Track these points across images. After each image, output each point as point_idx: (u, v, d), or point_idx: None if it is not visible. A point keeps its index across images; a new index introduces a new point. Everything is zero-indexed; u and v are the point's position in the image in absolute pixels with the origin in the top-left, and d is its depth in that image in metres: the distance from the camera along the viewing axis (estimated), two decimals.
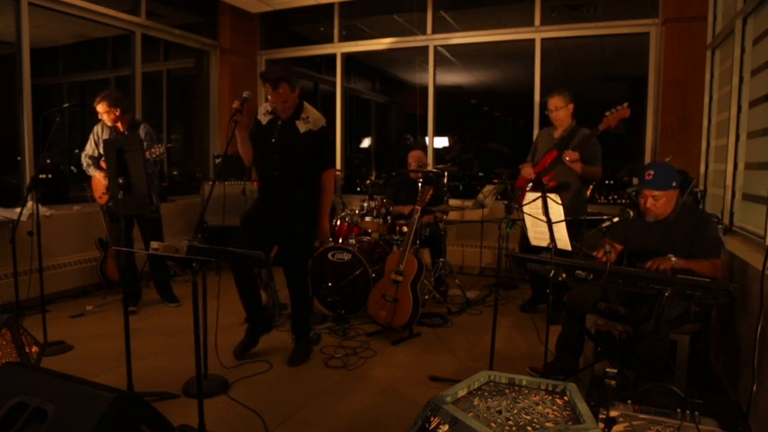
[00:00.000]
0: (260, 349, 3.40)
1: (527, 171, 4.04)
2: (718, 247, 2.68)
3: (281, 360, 3.21)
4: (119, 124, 4.03)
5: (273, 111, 3.14)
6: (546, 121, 4.22)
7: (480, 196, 4.77)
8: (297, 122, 3.10)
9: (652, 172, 2.61)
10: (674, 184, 2.62)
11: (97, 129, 4.10)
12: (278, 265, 3.43)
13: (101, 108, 3.97)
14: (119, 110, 3.99)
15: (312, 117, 3.12)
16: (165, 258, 4.07)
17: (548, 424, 1.48)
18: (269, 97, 3.07)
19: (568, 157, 3.68)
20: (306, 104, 3.17)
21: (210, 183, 5.71)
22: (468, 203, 4.95)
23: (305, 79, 8.11)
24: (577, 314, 2.83)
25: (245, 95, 2.99)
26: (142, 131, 4.05)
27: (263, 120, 3.19)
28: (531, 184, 3.97)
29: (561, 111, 3.89)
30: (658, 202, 2.63)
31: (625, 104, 3.51)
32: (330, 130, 3.23)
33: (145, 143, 3.97)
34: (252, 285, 3.29)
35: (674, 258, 2.48)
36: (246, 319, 3.34)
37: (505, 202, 4.25)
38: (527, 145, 5.26)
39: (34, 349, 2.65)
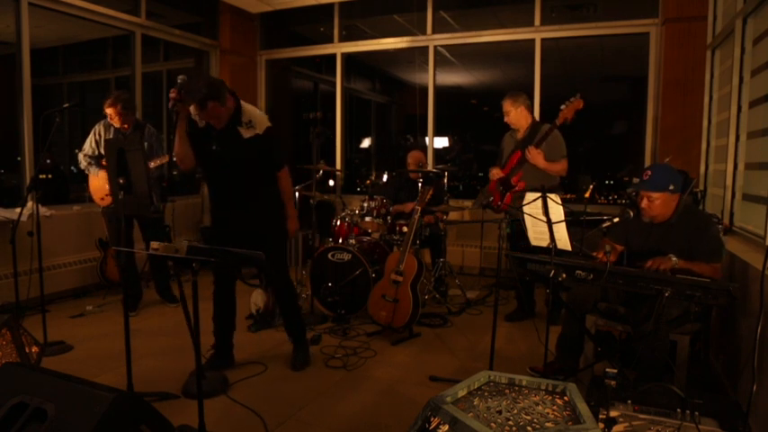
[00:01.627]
0: (260, 349, 3.40)
1: (494, 172, 4.01)
2: (720, 250, 2.67)
3: (282, 360, 3.21)
4: (126, 125, 4.02)
5: None
6: (550, 121, 4.20)
7: (480, 196, 4.77)
8: (238, 128, 2.83)
9: (649, 173, 2.61)
10: (671, 186, 2.60)
11: (99, 128, 4.08)
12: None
13: (115, 110, 3.92)
14: (130, 112, 3.99)
15: (256, 120, 2.88)
16: (165, 259, 4.05)
17: (548, 424, 1.48)
18: (196, 113, 2.77)
19: (530, 154, 3.72)
20: (245, 105, 2.90)
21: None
22: (469, 203, 4.95)
23: (305, 79, 8.12)
24: (577, 314, 2.83)
25: (179, 80, 2.66)
26: (146, 133, 4.07)
27: (200, 122, 2.84)
28: (501, 187, 3.95)
29: (511, 114, 3.91)
30: (654, 204, 2.62)
31: (578, 95, 3.59)
32: (276, 130, 2.98)
33: (146, 143, 3.99)
34: (230, 299, 3.11)
35: (674, 258, 2.48)
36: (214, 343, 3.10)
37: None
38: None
39: (34, 349, 2.65)
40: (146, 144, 4.00)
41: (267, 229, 3.01)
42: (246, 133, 2.85)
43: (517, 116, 3.92)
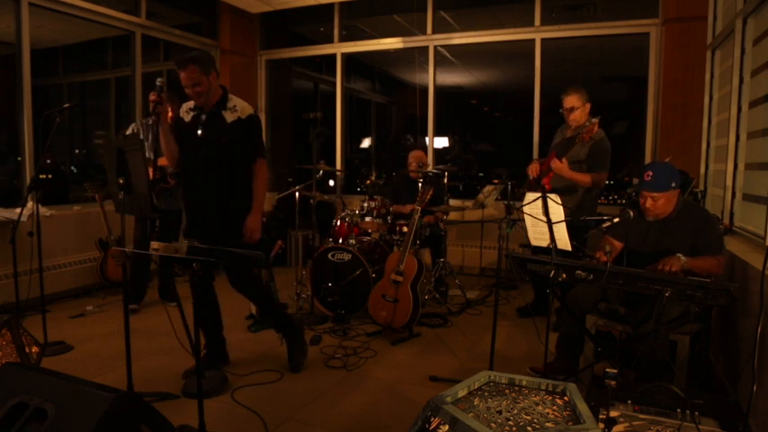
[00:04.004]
0: (260, 349, 3.40)
1: (532, 168, 3.83)
2: (721, 243, 2.69)
3: (282, 360, 3.21)
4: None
5: (197, 107, 2.92)
6: (551, 121, 4.16)
7: (480, 196, 4.77)
8: (223, 112, 2.89)
9: (651, 173, 2.61)
10: (673, 184, 2.61)
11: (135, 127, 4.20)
12: (281, 264, 3.42)
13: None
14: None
15: (240, 106, 2.91)
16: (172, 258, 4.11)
17: (548, 424, 1.48)
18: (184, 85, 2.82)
19: (554, 165, 3.55)
20: (231, 95, 2.97)
21: None
22: (469, 203, 4.95)
23: (305, 79, 8.11)
24: (577, 314, 2.83)
25: (158, 83, 2.77)
26: None
27: (186, 117, 2.96)
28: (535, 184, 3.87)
29: (577, 111, 3.66)
30: (658, 203, 2.63)
31: (598, 118, 3.41)
32: (259, 119, 2.99)
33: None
34: (210, 299, 3.06)
35: (683, 258, 2.48)
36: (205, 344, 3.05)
37: (506, 202, 4.24)
38: (527, 145, 5.26)
39: (34, 349, 2.65)
40: None
41: (234, 224, 2.89)
42: (230, 117, 2.89)
43: (582, 114, 3.64)
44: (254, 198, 2.93)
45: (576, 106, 3.68)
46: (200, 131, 2.89)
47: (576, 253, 2.69)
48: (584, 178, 3.62)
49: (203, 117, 2.90)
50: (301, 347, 3.16)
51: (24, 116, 4.35)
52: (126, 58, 5.73)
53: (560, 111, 3.81)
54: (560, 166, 3.55)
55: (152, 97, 2.73)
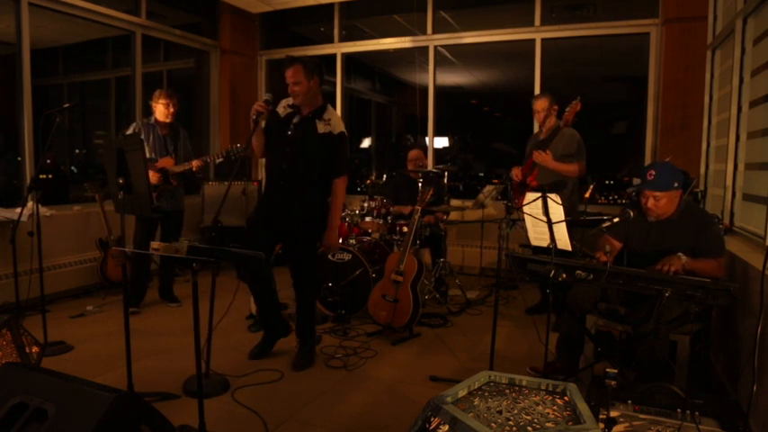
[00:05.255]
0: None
1: (515, 173, 4.12)
2: (722, 246, 2.68)
3: (282, 360, 3.21)
4: (168, 119, 4.16)
5: (294, 105, 3.08)
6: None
7: (480, 196, 4.77)
8: (317, 121, 3.02)
9: (653, 172, 2.61)
10: (675, 184, 2.61)
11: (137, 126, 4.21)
12: (281, 264, 3.43)
13: (171, 102, 4.10)
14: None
15: (334, 120, 3.04)
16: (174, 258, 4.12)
17: (548, 424, 1.48)
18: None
19: (538, 157, 3.80)
20: (330, 108, 3.10)
21: (211, 183, 5.73)
22: (469, 203, 4.95)
23: None
24: (577, 314, 2.83)
25: (266, 97, 2.97)
26: (181, 135, 4.24)
27: (282, 112, 3.12)
28: (520, 187, 4.02)
29: (542, 113, 3.94)
30: (659, 203, 2.63)
31: (577, 98, 3.72)
32: (347, 138, 3.12)
33: (180, 144, 4.19)
34: (265, 288, 3.20)
35: (684, 258, 2.48)
36: (260, 322, 3.28)
37: (505, 202, 4.26)
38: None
39: (34, 349, 2.65)
40: (180, 146, 4.20)
41: (304, 228, 3.09)
42: (322, 128, 3.02)
43: (544, 117, 3.95)
44: (332, 213, 3.09)
45: (545, 108, 3.95)
46: (290, 131, 3.04)
47: (576, 253, 2.70)
48: (570, 167, 3.83)
49: (296, 119, 3.05)
50: (311, 356, 3.22)
51: (24, 116, 4.35)
52: (126, 58, 5.74)
53: (533, 113, 4.09)
54: (545, 156, 3.79)
55: (260, 108, 2.90)
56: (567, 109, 3.77)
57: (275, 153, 3.10)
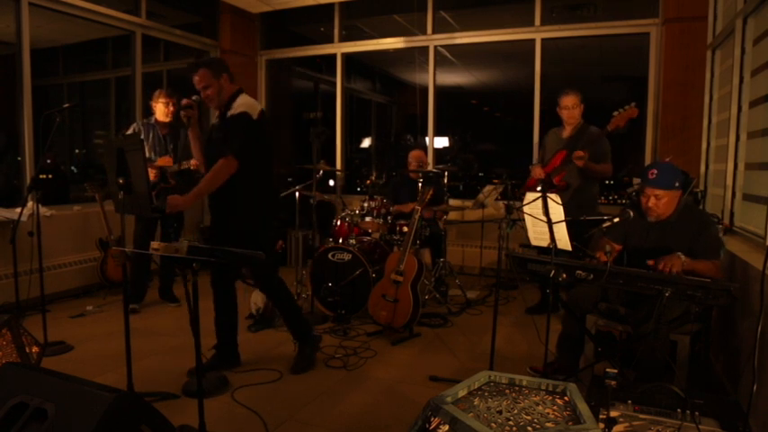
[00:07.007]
0: (260, 350, 3.40)
1: (537, 171, 4.02)
2: (719, 248, 2.68)
3: (282, 360, 3.21)
4: (168, 119, 4.17)
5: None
6: (551, 121, 4.20)
7: (480, 196, 4.77)
8: (228, 113, 2.87)
9: (656, 171, 2.61)
10: (677, 184, 2.62)
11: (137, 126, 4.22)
12: (281, 263, 3.42)
13: (171, 102, 4.09)
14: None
15: (238, 104, 2.84)
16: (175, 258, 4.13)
17: (548, 424, 1.48)
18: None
19: (576, 157, 3.67)
20: (244, 95, 2.92)
21: None
22: (469, 203, 4.95)
23: (305, 79, 8.11)
24: (577, 314, 2.83)
25: (195, 97, 2.89)
26: (182, 134, 4.21)
27: (214, 121, 3.04)
28: (541, 185, 3.96)
29: (576, 109, 3.89)
30: (661, 202, 2.62)
31: (633, 104, 3.53)
32: (246, 117, 2.80)
33: (180, 145, 4.16)
34: (229, 300, 3.05)
35: (683, 257, 2.48)
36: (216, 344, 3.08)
37: (506, 202, 4.25)
38: (527, 145, 5.25)
39: (35, 349, 2.65)
40: (180, 145, 4.18)
41: (244, 227, 2.89)
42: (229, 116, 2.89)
43: (579, 113, 3.90)
44: (198, 186, 2.78)
45: (575, 104, 3.90)
46: (212, 136, 2.96)
47: (577, 253, 2.70)
48: (607, 167, 3.83)
49: (217, 120, 2.99)
50: (311, 354, 3.18)
51: (24, 116, 4.34)
52: (126, 58, 5.73)
53: (558, 110, 3.99)
54: (583, 154, 3.66)
55: (184, 102, 2.85)
56: (617, 112, 3.53)
57: (206, 158, 2.98)
